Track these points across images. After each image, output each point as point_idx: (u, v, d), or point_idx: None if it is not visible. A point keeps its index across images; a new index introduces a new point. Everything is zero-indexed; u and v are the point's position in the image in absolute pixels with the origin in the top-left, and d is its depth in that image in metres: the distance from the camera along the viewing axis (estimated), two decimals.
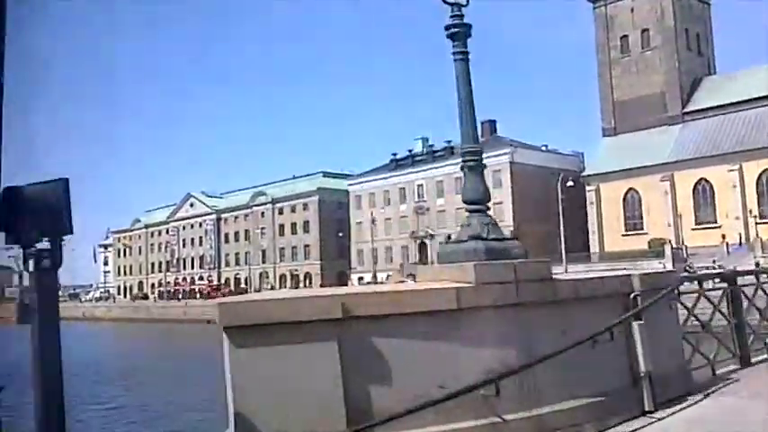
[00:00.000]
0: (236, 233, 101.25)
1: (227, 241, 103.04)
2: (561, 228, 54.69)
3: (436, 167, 74.05)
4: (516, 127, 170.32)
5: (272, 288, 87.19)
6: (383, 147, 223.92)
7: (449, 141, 74.60)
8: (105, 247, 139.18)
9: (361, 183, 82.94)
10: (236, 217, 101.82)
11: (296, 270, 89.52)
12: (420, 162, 76.67)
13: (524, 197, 67.43)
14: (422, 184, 75.44)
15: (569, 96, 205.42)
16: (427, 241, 74.12)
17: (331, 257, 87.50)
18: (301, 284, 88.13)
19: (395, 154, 79.94)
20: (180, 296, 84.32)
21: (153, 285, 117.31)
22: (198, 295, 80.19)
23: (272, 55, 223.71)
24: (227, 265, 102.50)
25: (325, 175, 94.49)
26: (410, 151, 79.12)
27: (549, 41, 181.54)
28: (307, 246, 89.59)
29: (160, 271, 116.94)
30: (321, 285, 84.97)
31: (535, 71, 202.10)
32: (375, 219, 79.81)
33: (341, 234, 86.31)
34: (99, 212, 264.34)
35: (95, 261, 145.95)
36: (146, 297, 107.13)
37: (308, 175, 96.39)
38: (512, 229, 66.52)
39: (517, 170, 67.70)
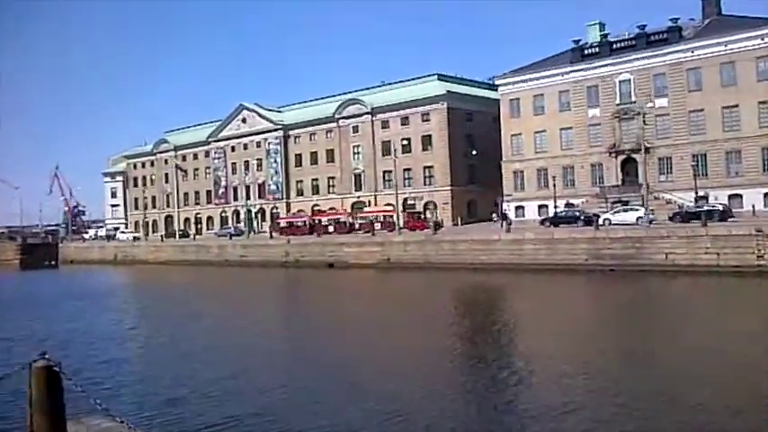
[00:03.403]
0: (313, 153, 79.51)
1: (297, 165, 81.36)
2: None
3: (653, 56, 54.16)
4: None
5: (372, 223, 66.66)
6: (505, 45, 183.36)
7: (675, 20, 54.59)
8: (112, 175, 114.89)
9: (520, 81, 62.11)
10: (312, 134, 79.83)
11: (410, 199, 69.29)
12: (621, 50, 56.37)
13: None
14: (628, 80, 55.46)
15: None
16: (637, 156, 54.90)
17: (458, 182, 67.67)
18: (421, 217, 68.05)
19: (577, 40, 59.21)
20: (283, 232, 63.32)
21: (187, 220, 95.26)
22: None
23: None
24: (300, 194, 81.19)
25: (441, 78, 73.18)
26: (605, 36, 58.41)
27: None
28: (427, 167, 69.11)
29: (197, 203, 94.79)
30: (453, 218, 65.61)
31: None
32: (545, 129, 60.02)
33: (474, 152, 66.32)
34: (96, 135, 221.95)
35: (50, 192, 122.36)
36: (186, 234, 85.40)
37: (415, 79, 74.83)
38: None
39: None
